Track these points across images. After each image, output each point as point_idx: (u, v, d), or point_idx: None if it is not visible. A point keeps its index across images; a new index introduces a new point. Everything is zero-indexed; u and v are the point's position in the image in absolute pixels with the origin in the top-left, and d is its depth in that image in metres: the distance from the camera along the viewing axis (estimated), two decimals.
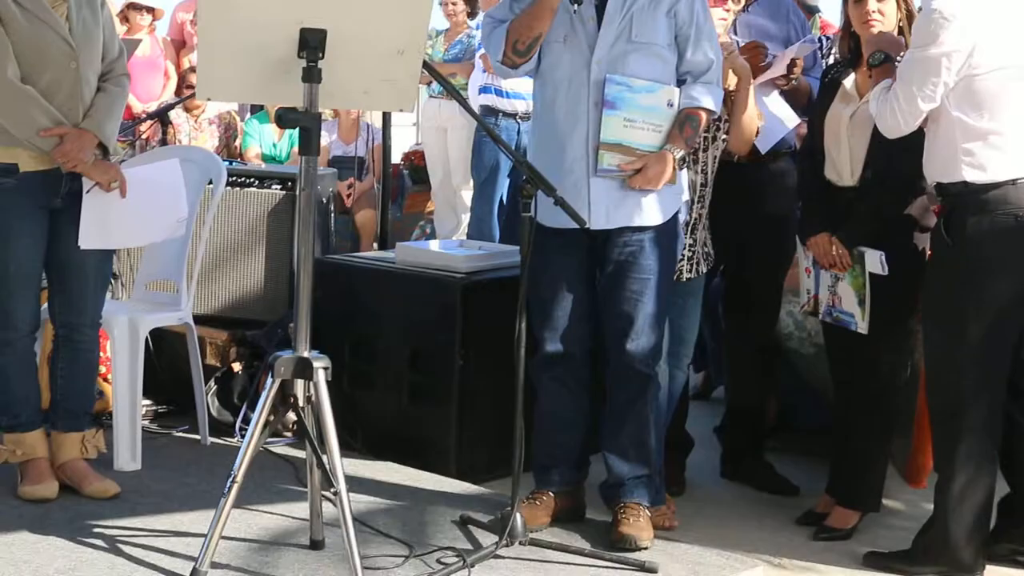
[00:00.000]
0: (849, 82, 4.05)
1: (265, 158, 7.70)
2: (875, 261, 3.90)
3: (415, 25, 3.28)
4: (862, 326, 3.98)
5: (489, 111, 6.92)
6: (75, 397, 4.06)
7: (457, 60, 7.65)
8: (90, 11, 3.91)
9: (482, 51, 6.57)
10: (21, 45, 3.75)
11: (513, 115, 6.88)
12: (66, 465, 4.03)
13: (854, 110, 4.01)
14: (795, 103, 4.43)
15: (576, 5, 3.67)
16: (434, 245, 5.09)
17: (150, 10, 8.36)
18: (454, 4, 7.83)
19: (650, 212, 3.79)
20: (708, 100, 3.82)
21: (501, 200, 7.02)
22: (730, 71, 4.03)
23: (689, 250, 4.10)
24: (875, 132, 3.88)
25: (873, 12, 3.94)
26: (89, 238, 3.89)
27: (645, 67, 3.76)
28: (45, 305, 4.04)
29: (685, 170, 3.91)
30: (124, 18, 8.18)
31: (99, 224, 3.90)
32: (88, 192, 3.86)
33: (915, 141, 3.81)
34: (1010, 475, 3.94)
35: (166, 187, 4.16)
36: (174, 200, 4.19)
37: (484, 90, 6.96)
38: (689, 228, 4.09)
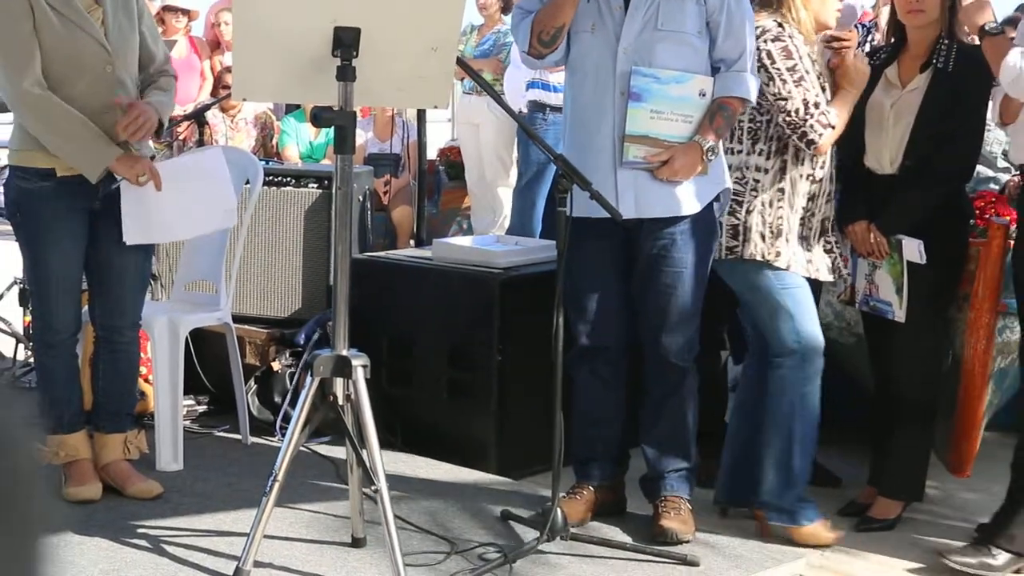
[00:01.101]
0: (892, 71, 4.02)
1: (302, 157, 7.72)
2: (913, 249, 3.87)
3: (448, 22, 3.28)
4: (899, 314, 3.94)
5: (537, 107, 6.88)
6: (117, 398, 4.09)
7: (485, 55, 7.65)
8: (126, 17, 3.92)
9: None
10: (56, 50, 3.77)
11: (561, 109, 6.84)
12: (109, 466, 4.06)
13: (896, 98, 3.98)
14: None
15: None
16: (470, 241, 5.08)
17: (185, 12, 8.40)
18: None
19: (682, 202, 3.76)
20: (742, 89, 3.77)
21: (549, 195, 7.00)
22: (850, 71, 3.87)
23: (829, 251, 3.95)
24: (917, 120, 3.85)
25: (916, 0, 3.90)
26: (133, 234, 3.87)
27: (673, 56, 3.72)
28: (86, 308, 4.07)
29: (723, 158, 3.86)
30: (160, 20, 8.22)
31: (141, 219, 3.88)
32: (125, 188, 3.84)
33: (957, 132, 3.76)
34: None
35: (210, 176, 4.07)
36: (220, 189, 4.08)
37: (532, 86, 6.92)
38: (817, 232, 3.90)
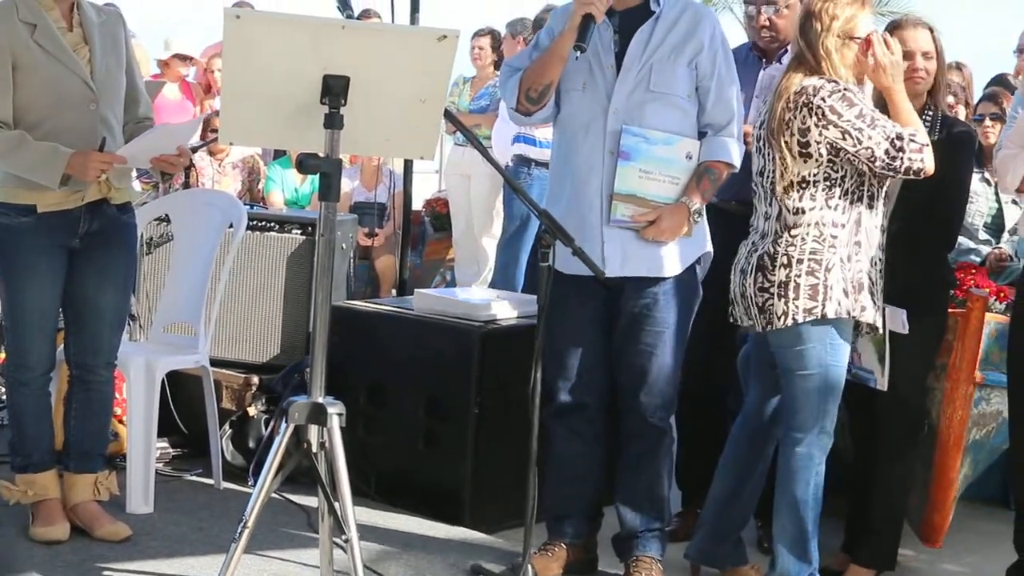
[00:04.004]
0: None
1: (287, 203, 7.74)
2: (897, 319, 3.88)
3: (437, 74, 3.29)
4: (882, 382, 3.95)
5: (522, 160, 6.90)
6: (89, 438, 4.05)
7: (483, 111, 7.68)
8: (114, 54, 3.94)
9: None
10: (41, 88, 3.79)
11: (546, 164, 6.87)
12: (78, 507, 4.02)
13: None
14: None
15: (579, 52, 3.64)
16: (452, 293, 5.08)
17: (190, 58, 8.44)
18: (481, 49, 7.88)
19: (666, 263, 3.77)
20: (728, 154, 3.81)
21: (533, 249, 7.01)
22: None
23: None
24: (900, 189, 3.87)
25: (920, 70, 3.93)
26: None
27: (663, 118, 3.75)
28: (61, 347, 4.05)
29: (705, 222, 3.88)
30: (165, 65, 8.25)
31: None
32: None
33: (939, 202, 3.79)
34: None
35: (167, 134, 4.06)
36: (178, 130, 4.16)
37: (517, 139, 6.94)
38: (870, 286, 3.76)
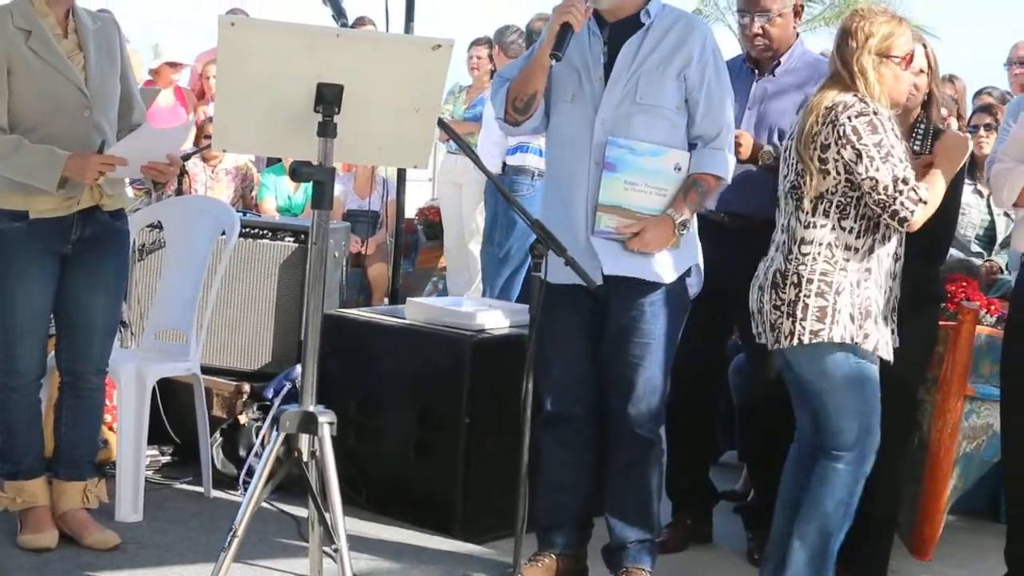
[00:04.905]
0: None
1: (280, 210, 7.73)
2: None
3: (432, 83, 3.29)
4: None
5: (520, 171, 6.86)
6: (78, 445, 4.04)
7: (477, 119, 7.67)
8: (109, 61, 3.94)
9: None
10: (35, 94, 3.79)
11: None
12: (67, 515, 4.01)
13: None
14: None
15: (554, 60, 3.64)
16: (444, 302, 5.07)
17: (180, 65, 8.44)
18: (479, 58, 7.88)
19: (653, 272, 3.77)
20: (719, 167, 3.81)
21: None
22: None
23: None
24: None
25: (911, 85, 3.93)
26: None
27: (650, 129, 3.75)
28: (52, 353, 4.04)
29: (696, 234, 3.88)
30: (156, 72, 8.25)
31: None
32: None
33: (930, 217, 3.80)
34: None
35: (156, 135, 4.05)
36: (168, 135, 4.13)
37: (518, 149, 6.89)
38: (891, 311, 3.74)
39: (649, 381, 3.80)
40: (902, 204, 3.56)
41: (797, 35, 4.42)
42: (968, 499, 4.61)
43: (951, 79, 6.38)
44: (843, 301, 3.61)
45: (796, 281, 3.63)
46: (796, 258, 3.65)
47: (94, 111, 3.86)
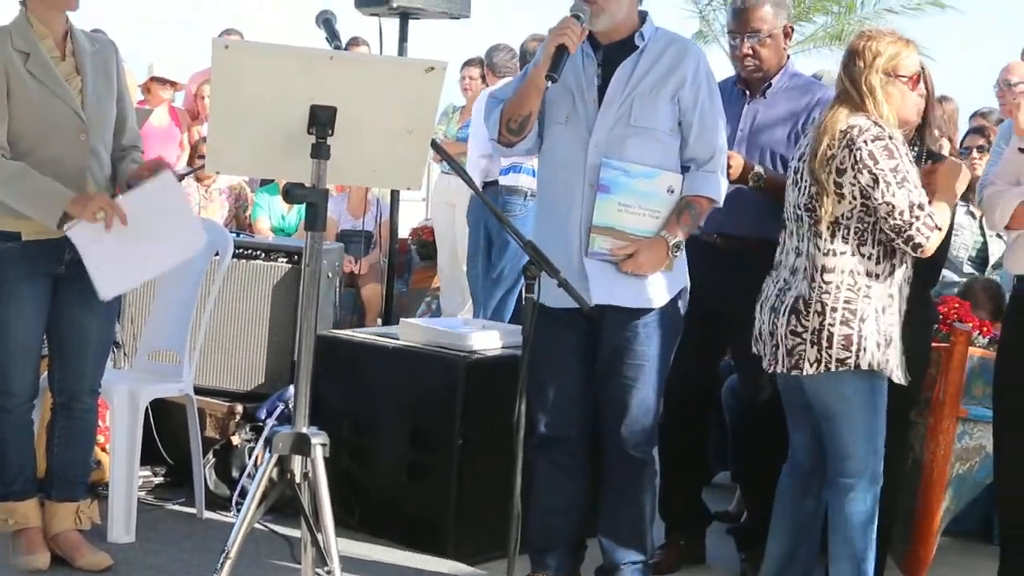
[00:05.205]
0: None
1: (275, 230, 7.74)
2: None
3: (425, 105, 3.30)
4: None
5: (513, 191, 6.86)
6: (71, 466, 4.04)
7: (467, 140, 7.69)
8: (106, 84, 3.94)
9: None
10: (31, 116, 3.79)
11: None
12: (59, 536, 4.00)
13: None
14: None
15: (550, 82, 3.65)
16: (438, 323, 5.08)
17: (172, 83, 8.45)
18: (471, 79, 7.90)
19: (647, 295, 3.78)
20: (711, 189, 3.82)
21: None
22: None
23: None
24: None
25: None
26: (105, 287, 3.75)
27: (644, 152, 3.76)
28: (45, 374, 4.03)
29: (684, 256, 3.89)
30: (146, 89, 8.27)
31: (109, 270, 3.75)
32: (80, 248, 3.71)
33: None
34: None
35: (166, 202, 3.88)
36: (180, 212, 3.94)
37: (511, 169, 6.89)
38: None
39: (642, 402, 3.81)
40: (918, 230, 3.56)
41: (788, 57, 4.44)
42: (961, 520, 4.60)
43: (942, 100, 6.40)
44: (868, 328, 3.61)
45: (820, 309, 3.62)
46: (819, 286, 3.63)
47: (90, 135, 3.87)
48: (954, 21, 23.48)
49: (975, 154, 5.67)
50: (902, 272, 3.69)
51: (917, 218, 3.55)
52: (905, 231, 3.56)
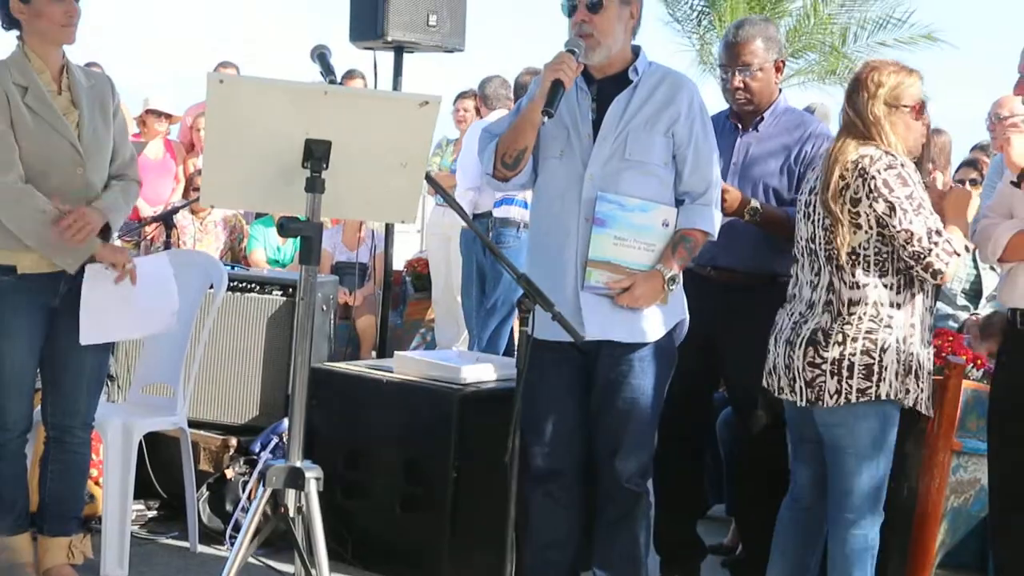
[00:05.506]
0: None
1: (270, 261, 7.75)
2: None
3: (419, 138, 3.32)
4: None
5: (509, 223, 6.88)
6: (64, 501, 4.03)
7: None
8: (102, 118, 3.96)
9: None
10: (29, 150, 3.80)
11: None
12: (52, 571, 3.99)
13: None
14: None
15: (547, 117, 3.66)
16: (432, 355, 5.07)
17: (167, 116, 8.48)
18: (466, 111, 7.92)
19: (642, 329, 3.78)
20: (706, 223, 3.83)
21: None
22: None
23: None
24: None
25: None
26: (89, 333, 3.88)
27: (639, 185, 3.77)
28: (38, 408, 4.03)
29: (681, 289, 3.89)
30: (142, 122, 8.30)
31: (98, 318, 3.89)
32: (88, 285, 3.86)
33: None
34: None
35: (158, 279, 4.15)
36: (167, 293, 4.18)
37: (503, 202, 6.91)
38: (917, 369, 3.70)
39: (637, 435, 3.80)
40: (937, 256, 3.56)
41: (780, 91, 4.46)
42: (956, 553, 4.59)
43: (935, 133, 6.43)
44: (889, 358, 3.61)
45: (840, 340, 3.62)
46: (842, 317, 3.64)
47: (87, 168, 3.88)
48: (948, 55, 23.62)
49: (968, 187, 5.68)
50: (922, 301, 3.70)
51: (936, 244, 3.56)
52: (924, 258, 3.57)
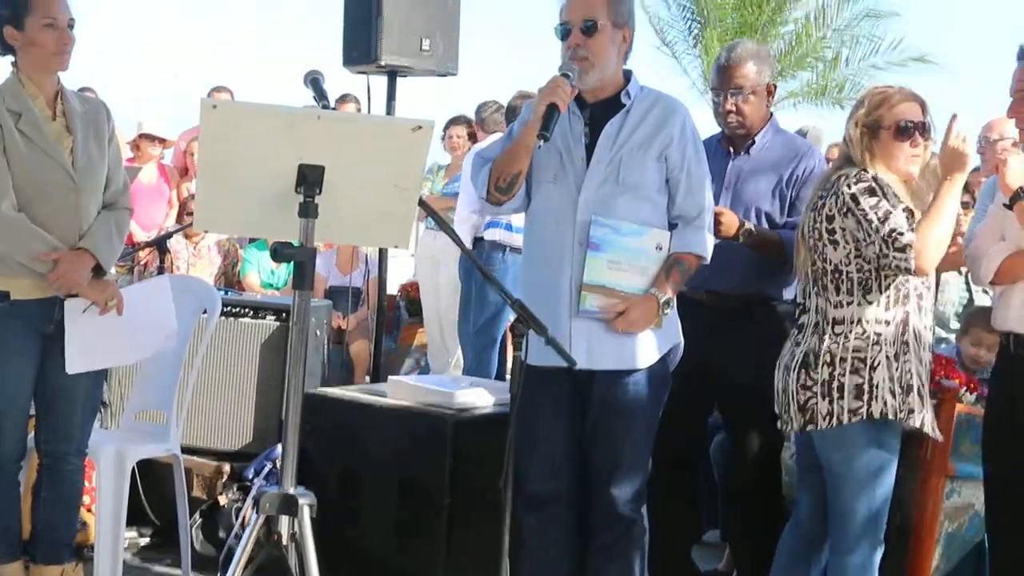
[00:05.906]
0: None
1: (264, 285, 7.75)
2: None
3: (412, 165, 3.31)
4: None
5: (496, 246, 6.90)
6: (57, 528, 4.01)
7: (455, 195, 7.72)
8: (97, 144, 3.96)
9: None
10: (22, 176, 3.80)
11: (520, 250, 6.86)
12: None
13: None
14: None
15: (542, 141, 3.66)
16: (426, 380, 5.07)
17: (161, 140, 8.48)
18: (459, 137, 7.94)
19: (634, 354, 3.78)
20: (699, 246, 3.83)
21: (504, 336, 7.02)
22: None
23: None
24: None
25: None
26: (75, 362, 3.89)
27: (632, 209, 3.77)
28: (32, 435, 4.01)
29: (675, 313, 3.89)
30: (136, 146, 8.30)
31: (84, 346, 3.90)
32: (69, 318, 3.87)
33: None
34: None
35: (154, 303, 4.16)
36: (163, 315, 4.18)
37: (492, 225, 6.95)
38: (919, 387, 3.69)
39: (631, 461, 3.79)
40: (894, 258, 3.53)
41: (771, 114, 4.47)
42: None
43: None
44: (879, 376, 3.60)
45: (829, 360, 3.63)
46: (828, 336, 3.65)
47: (81, 194, 3.88)
48: (940, 77, 23.72)
49: (959, 210, 5.68)
50: (918, 319, 3.69)
51: (889, 247, 3.50)
52: (891, 263, 3.52)
